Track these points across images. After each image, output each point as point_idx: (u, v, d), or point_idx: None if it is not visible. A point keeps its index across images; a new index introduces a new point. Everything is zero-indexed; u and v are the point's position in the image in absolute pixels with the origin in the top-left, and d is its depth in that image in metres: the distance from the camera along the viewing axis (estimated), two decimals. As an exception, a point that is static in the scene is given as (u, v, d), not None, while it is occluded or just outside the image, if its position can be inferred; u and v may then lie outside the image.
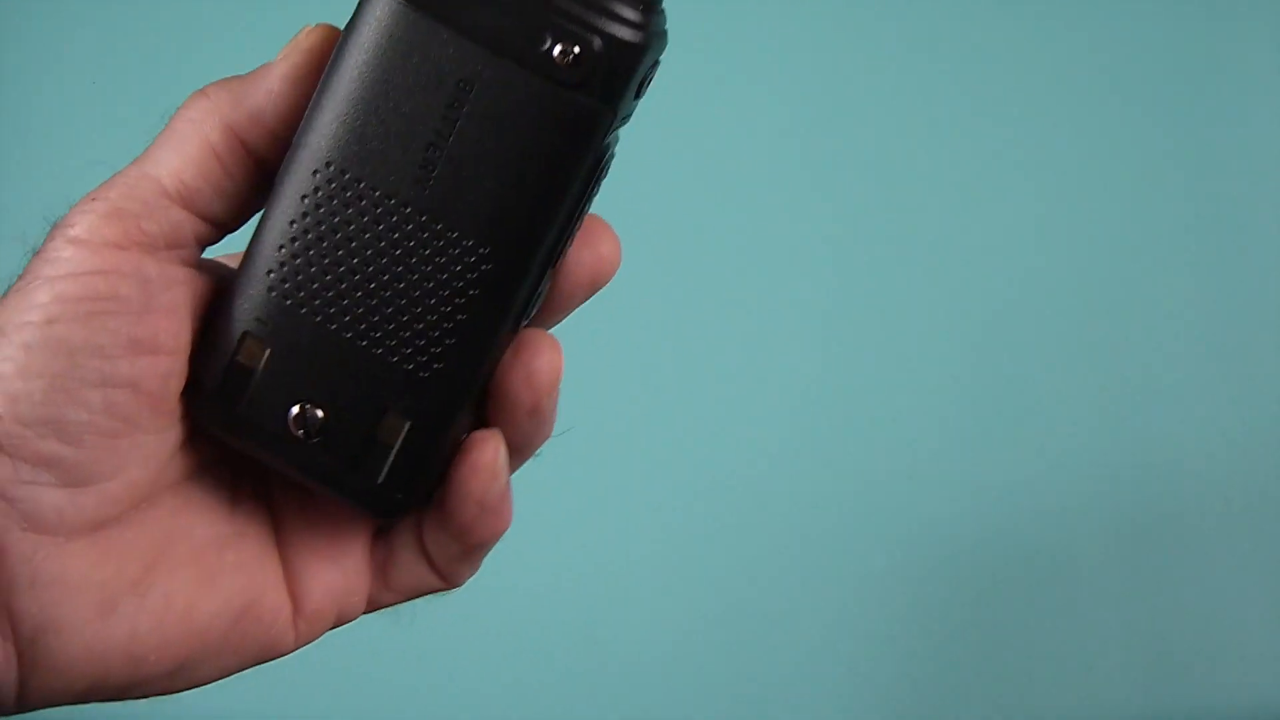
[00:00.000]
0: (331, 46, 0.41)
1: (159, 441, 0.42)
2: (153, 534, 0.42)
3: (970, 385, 0.80)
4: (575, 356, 0.44)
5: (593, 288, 0.44)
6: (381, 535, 0.46)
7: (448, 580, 0.46)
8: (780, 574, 0.82)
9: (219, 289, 0.43)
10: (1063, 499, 0.71)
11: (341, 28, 0.41)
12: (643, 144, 0.52)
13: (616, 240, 0.43)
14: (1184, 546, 0.69)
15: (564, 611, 0.82)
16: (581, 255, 0.43)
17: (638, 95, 0.42)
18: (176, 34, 0.77)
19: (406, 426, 0.41)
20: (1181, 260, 0.83)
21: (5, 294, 0.41)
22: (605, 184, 0.43)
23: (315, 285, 0.41)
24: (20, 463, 0.39)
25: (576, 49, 0.39)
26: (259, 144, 0.42)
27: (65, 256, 0.40)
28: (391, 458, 0.42)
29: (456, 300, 0.41)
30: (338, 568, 0.45)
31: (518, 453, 0.44)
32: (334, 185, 0.41)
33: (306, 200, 0.41)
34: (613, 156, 0.43)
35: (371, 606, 0.47)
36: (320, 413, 0.41)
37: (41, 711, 0.42)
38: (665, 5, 0.41)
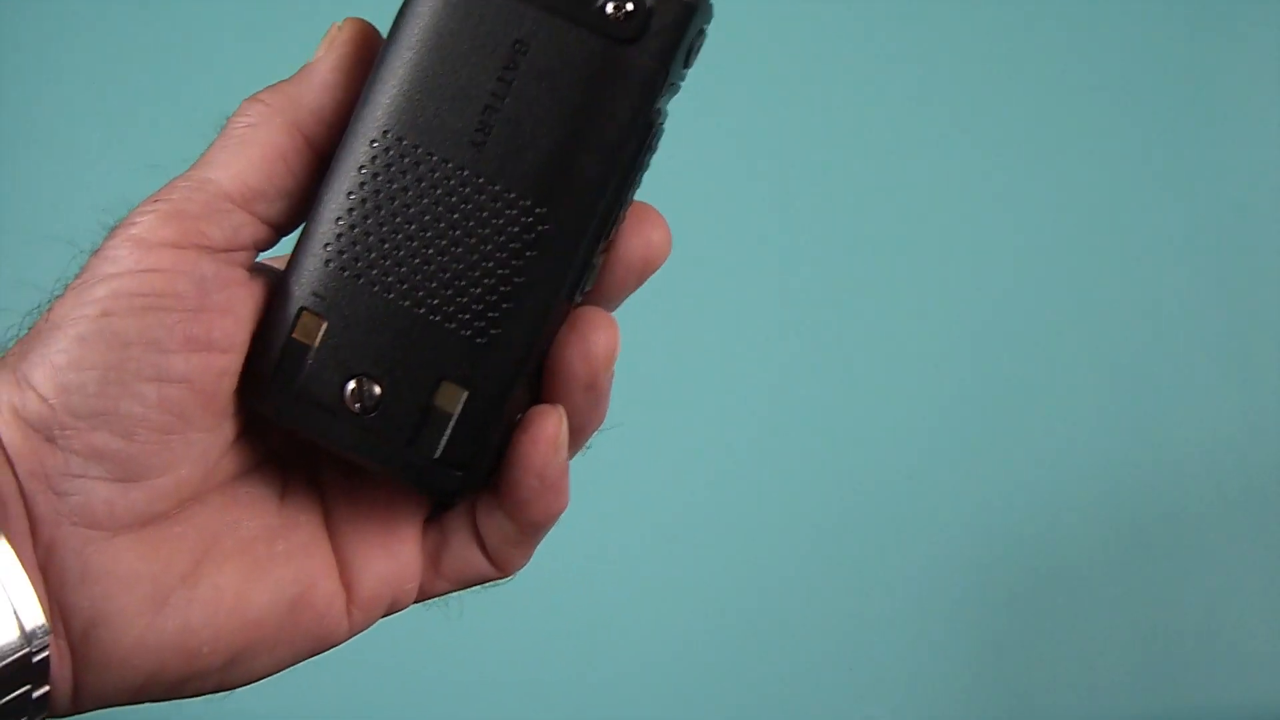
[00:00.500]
0: (366, 37, 0.42)
1: (211, 440, 0.42)
2: (201, 528, 0.42)
3: (970, 390, 0.81)
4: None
5: (644, 274, 0.44)
6: (434, 521, 0.46)
7: (500, 567, 0.46)
8: (786, 582, 0.82)
9: (273, 289, 0.43)
10: (1064, 500, 0.71)
11: (363, 19, 0.42)
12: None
13: (666, 226, 0.44)
14: (1184, 547, 0.70)
15: (594, 612, 0.82)
16: (633, 241, 0.43)
17: (686, 64, 0.43)
18: (230, 40, 0.78)
19: (465, 396, 0.41)
20: (1186, 263, 0.84)
21: (63, 292, 0.41)
22: (650, 177, 0.43)
23: (373, 254, 0.41)
24: (71, 455, 0.39)
25: (629, 4, 0.40)
26: (323, 140, 0.42)
27: (123, 255, 0.40)
28: (450, 429, 0.41)
29: (514, 263, 0.40)
30: (390, 555, 0.45)
31: (574, 434, 0.44)
32: (391, 153, 0.41)
33: (364, 170, 0.41)
34: (662, 130, 0.43)
35: (423, 595, 0.46)
36: (377, 387, 0.41)
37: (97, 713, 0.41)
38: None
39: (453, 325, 0.41)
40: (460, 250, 0.40)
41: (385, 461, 0.42)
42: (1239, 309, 0.78)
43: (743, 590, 0.84)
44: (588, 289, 0.43)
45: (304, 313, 0.41)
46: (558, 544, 0.49)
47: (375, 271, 0.41)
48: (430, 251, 0.41)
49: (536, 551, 0.46)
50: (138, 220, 0.40)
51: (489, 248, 0.40)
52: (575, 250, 0.41)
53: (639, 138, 0.41)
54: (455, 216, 0.40)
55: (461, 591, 0.47)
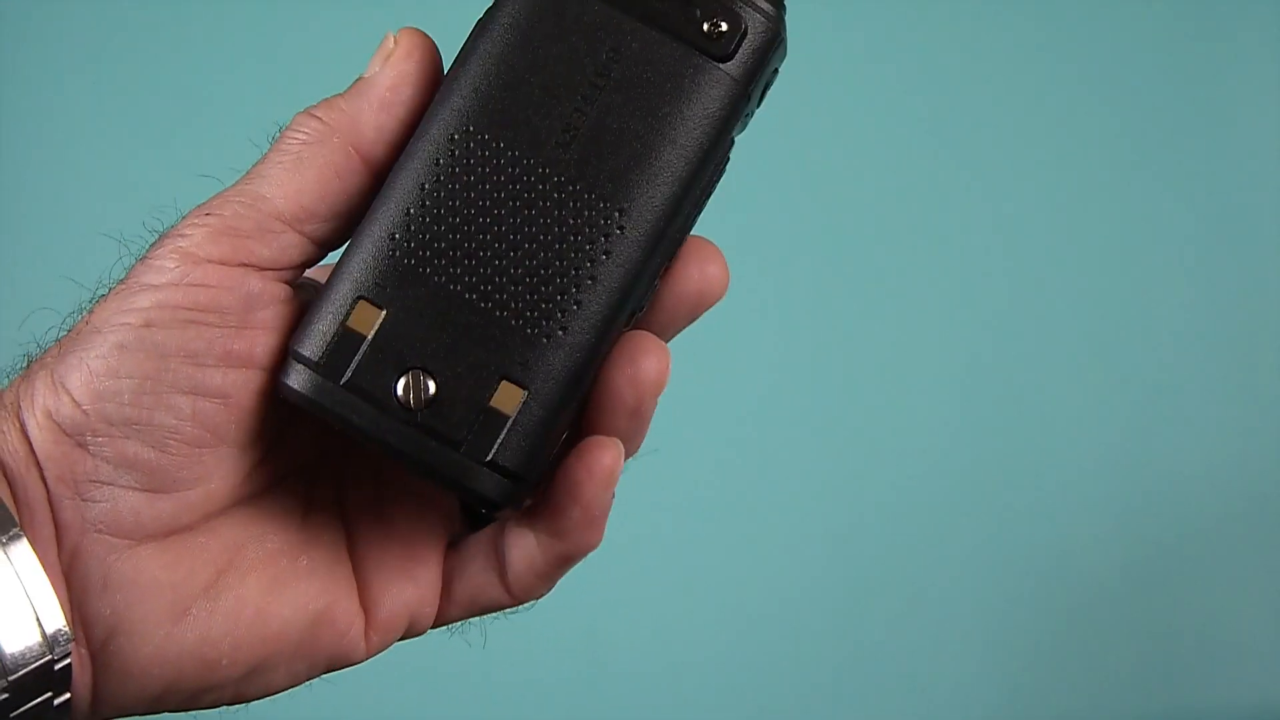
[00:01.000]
0: (425, 50, 0.42)
1: (242, 455, 0.41)
2: (224, 540, 0.41)
3: (981, 399, 0.81)
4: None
5: (697, 309, 0.44)
6: (453, 547, 0.45)
7: (518, 596, 0.45)
8: (823, 590, 0.82)
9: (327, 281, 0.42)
10: (1064, 499, 0.71)
11: (419, 30, 0.42)
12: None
13: (724, 263, 0.44)
14: (1185, 547, 0.70)
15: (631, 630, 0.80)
16: (690, 273, 0.43)
17: (762, 97, 0.44)
18: (284, 44, 0.79)
19: (524, 396, 0.40)
20: (1190, 270, 0.84)
21: (106, 295, 0.41)
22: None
23: (441, 245, 0.40)
24: (101, 462, 0.39)
25: (723, 24, 0.41)
26: (379, 159, 0.42)
27: (170, 266, 0.40)
28: (505, 432, 0.40)
29: (586, 264, 0.40)
30: (410, 579, 0.44)
31: None
32: (473, 147, 0.41)
33: (441, 164, 0.41)
34: (728, 161, 0.43)
35: (438, 621, 0.45)
36: (432, 383, 0.40)
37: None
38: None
39: (519, 322, 0.40)
40: (534, 247, 0.40)
41: (431, 462, 0.40)
42: (1240, 316, 0.80)
43: (767, 608, 0.84)
44: (644, 309, 0.43)
45: (361, 301, 0.40)
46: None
47: (443, 262, 0.40)
48: (503, 246, 0.40)
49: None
50: (187, 232, 0.40)
51: (563, 246, 0.40)
52: (645, 260, 0.41)
53: (717, 156, 0.42)
54: (532, 213, 0.40)
55: (481, 618, 0.46)
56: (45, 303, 0.60)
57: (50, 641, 0.38)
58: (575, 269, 0.40)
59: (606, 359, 0.42)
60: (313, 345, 0.40)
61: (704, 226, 0.44)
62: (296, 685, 0.43)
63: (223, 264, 0.40)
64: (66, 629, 0.38)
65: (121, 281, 0.40)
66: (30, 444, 0.39)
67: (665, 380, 0.42)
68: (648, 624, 0.77)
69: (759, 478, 0.81)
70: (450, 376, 0.40)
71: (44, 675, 0.38)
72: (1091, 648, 0.68)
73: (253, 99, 0.71)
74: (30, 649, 0.37)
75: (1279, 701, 0.65)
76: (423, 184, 0.41)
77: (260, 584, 0.41)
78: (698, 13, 0.41)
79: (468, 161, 0.41)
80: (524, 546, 0.43)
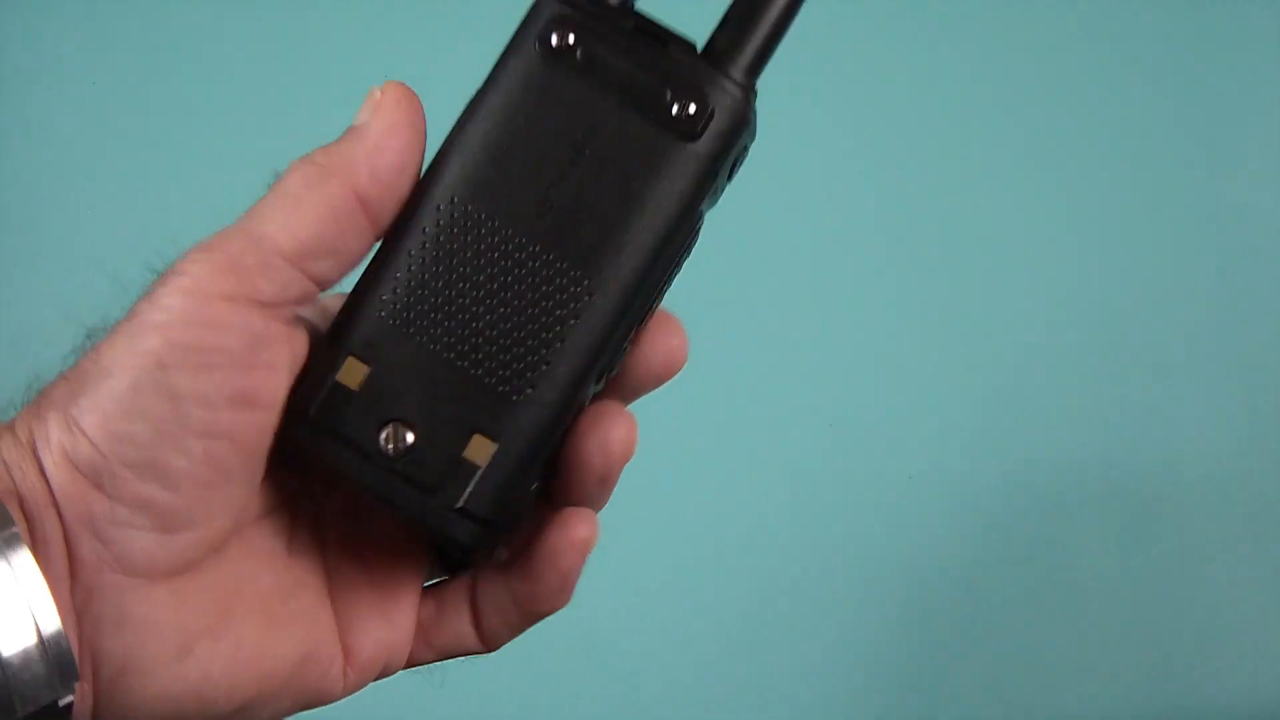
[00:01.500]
0: (410, 100, 0.44)
1: (245, 493, 0.43)
2: (225, 580, 0.43)
3: (968, 379, 0.80)
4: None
5: (659, 380, 0.46)
6: (428, 592, 0.47)
7: (488, 644, 0.47)
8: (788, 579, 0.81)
9: (313, 342, 0.44)
10: (1064, 497, 0.71)
11: (402, 83, 0.45)
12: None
13: (685, 336, 0.46)
14: (1185, 545, 0.69)
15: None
16: (656, 347, 0.46)
17: (731, 174, 0.46)
18: (286, 78, 0.79)
19: (494, 449, 0.43)
20: (1188, 260, 0.83)
21: (109, 334, 0.41)
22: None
23: (424, 307, 0.43)
24: (118, 504, 0.40)
25: (692, 106, 0.44)
26: (375, 201, 0.43)
27: (176, 305, 0.41)
28: (475, 481, 0.42)
29: (556, 328, 0.43)
30: (387, 621, 0.46)
31: None
32: (457, 217, 0.43)
33: (427, 231, 0.43)
34: (698, 235, 0.46)
35: (410, 663, 0.47)
36: (410, 434, 0.43)
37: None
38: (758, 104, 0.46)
39: (491, 380, 0.43)
40: (508, 311, 0.43)
41: (408, 506, 0.43)
42: (1242, 308, 0.79)
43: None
44: (613, 374, 0.46)
45: (350, 358, 0.43)
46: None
47: (424, 324, 0.43)
48: (480, 310, 0.43)
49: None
50: (189, 269, 0.41)
51: (534, 311, 0.43)
52: (613, 325, 0.44)
53: (684, 230, 0.45)
54: (508, 279, 0.43)
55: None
56: (48, 339, 0.62)
57: (62, 678, 0.39)
58: (545, 332, 0.43)
59: (576, 423, 0.44)
60: (307, 394, 0.43)
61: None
62: None
63: (228, 300, 0.41)
64: (75, 668, 0.39)
65: (125, 319, 0.41)
66: (48, 483, 0.40)
67: (633, 449, 0.45)
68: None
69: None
70: (427, 428, 0.43)
71: (49, 713, 0.39)
72: (1091, 646, 0.70)
73: (247, 133, 0.73)
74: (38, 688, 0.38)
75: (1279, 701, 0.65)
76: (409, 249, 0.43)
77: (256, 625, 0.43)
78: (669, 94, 0.44)
79: (452, 230, 0.43)
80: (499, 602, 0.46)
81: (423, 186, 0.44)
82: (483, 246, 0.43)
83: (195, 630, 0.42)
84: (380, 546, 0.47)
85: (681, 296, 0.47)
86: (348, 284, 0.45)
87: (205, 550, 0.42)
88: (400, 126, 0.43)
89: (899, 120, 0.80)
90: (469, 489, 0.43)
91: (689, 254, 0.46)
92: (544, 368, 0.43)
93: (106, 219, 0.70)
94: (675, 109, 0.44)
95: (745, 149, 0.46)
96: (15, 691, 0.38)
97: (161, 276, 0.41)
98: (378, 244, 0.45)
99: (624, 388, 0.46)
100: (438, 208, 0.43)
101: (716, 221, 0.47)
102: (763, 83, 0.45)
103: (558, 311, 0.43)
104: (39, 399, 0.41)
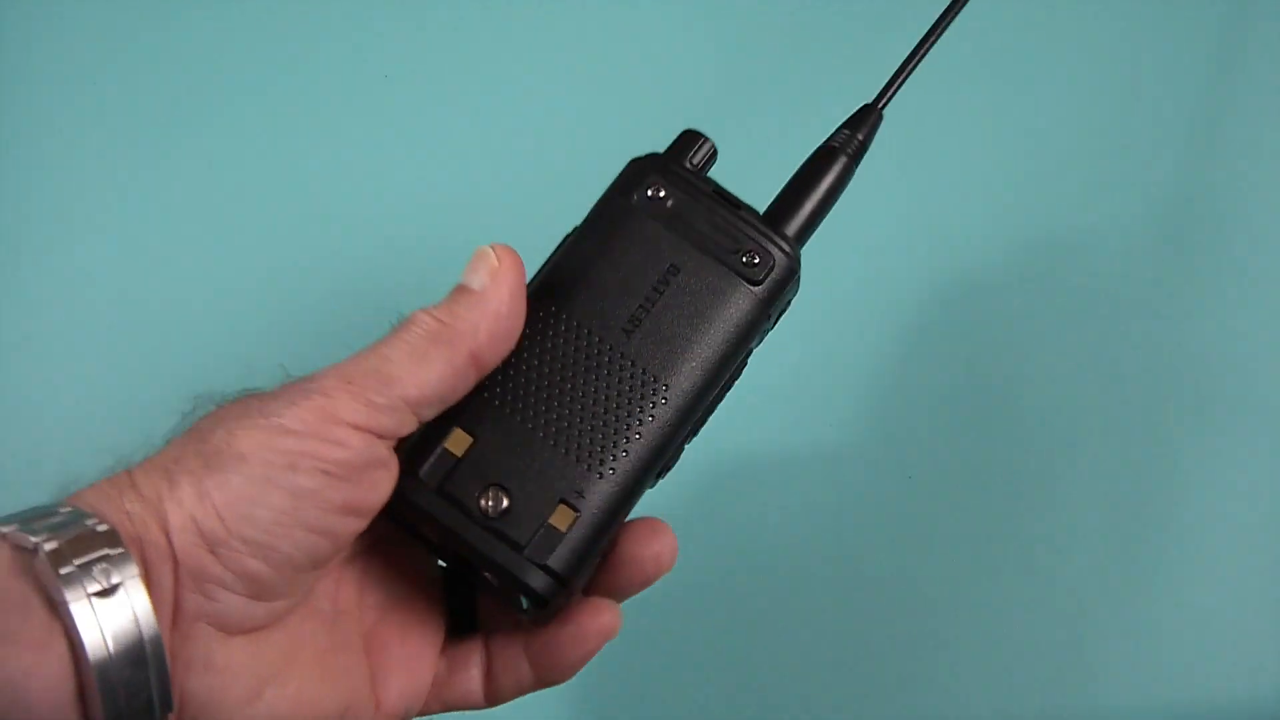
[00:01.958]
0: (521, 265, 0.52)
1: (321, 575, 0.51)
2: (290, 637, 0.50)
3: (960, 371, 0.76)
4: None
5: (647, 581, 0.54)
6: (443, 652, 0.55)
7: (490, 702, 0.55)
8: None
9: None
10: (1063, 492, 0.70)
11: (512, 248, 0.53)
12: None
13: (673, 543, 0.54)
14: (1185, 545, 0.69)
15: None
16: (645, 549, 0.53)
17: (778, 317, 0.57)
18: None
19: (575, 518, 0.51)
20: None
21: (240, 419, 0.47)
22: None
23: (524, 393, 0.52)
24: (226, 570, 0.45)
25: (758, 258, 0.55)
26: (491, 357, 0.50)
27: (312, 421, 0.46)
28: (559, 544, 0.51)
29: (635, 422, 0.52)
30: (411, 676, 0.53)
31: None
32: (559, 325, 0.53)
33: (531, 334, 0.53)
34: (745, 366, 0.56)
35: (422, 712, 0.54)
36: (505, 498, 0.51)
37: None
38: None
39: (577, 459, 0.52)
40: (595, 404, 0.52)
41: (499, 559, 0.50)
42: (1241, 310, 0.76)
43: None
44: (669, 469, 0.55)
45: (457, 429, 0.51)
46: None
47: (523, 407, 0.52)
48: (571, 400, 0.52)
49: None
50: (331, 393, 0.47)
51: (618, 406, 0.52)
52: (678, 427, 0.53)
53: (740, 356, 0.55)
54: (597, 379, 0.52)
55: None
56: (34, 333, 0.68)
57: (161, 709, 0.43)
58: (626, 424, 0.52)
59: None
60: (420, 460, 0.51)
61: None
62: None
63: (357, 429, 0.47)
64: (171, 699, 0.44)
65: (261, 413, 0.47)
66: (170, 540, 0.45)
67: (672, 565, 0.54)
68: None
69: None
70: (520, 494, 0.51)
71: None
72: (1091, 645, 0.68)
73: (247, 133, 0.74)
74: (141, 714, 0.43)
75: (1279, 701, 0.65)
76: (517, 350, 0.52)
77: (313, 677, 0.50)
78: (738, 246, 0.55)
79: (554, 335, 0.53)
80: (514, 667, 0.54)
81: (532, 303, 0.53)
82: (579, 350, 0.53)
83: (265, 678, 0.48)
84: (410, 609, 0.54)
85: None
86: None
87: (282, 614, 0.49)
88: (516, 294, 0.51)
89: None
90: (553, 549, 0.51)
91: (738, 379, 0.56)
92: (622, 455, 0.52)
93: (106, 219, 0.72)
94: (744, 259, 0.54)
95: (789, 301, 0.57)
96: (125, 716, 0.42)
97: (301, 386, 0.47)
98: None
99: (614, 588, 0.54)
100: (546, 318, 0.53)
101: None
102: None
103: (636, 409, 0.52)
104: (168, 463, 0.46)
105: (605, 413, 0.52)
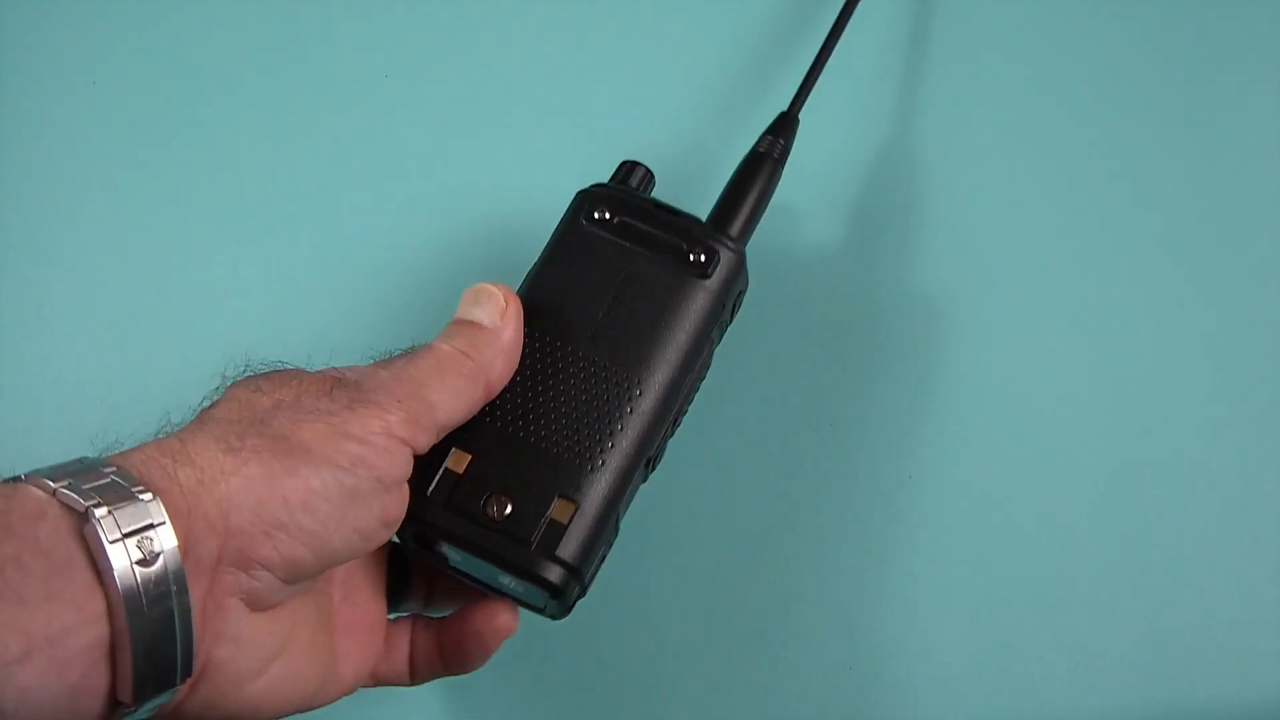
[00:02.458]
0: (520, 303, 0.57)
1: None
2: (293, 615, 0.52)
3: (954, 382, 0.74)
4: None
5: (491, 647, 0.58)
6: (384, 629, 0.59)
7: (414, 680, 0.60)
8: None
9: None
10: (1063, 490, 0.68)
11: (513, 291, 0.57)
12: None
13: (516, 616, 0.58)
14: (1184, 543, 0.67)
15: None
16: (487, 625, 0.58)
17: (734, 310, 0.61)
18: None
19: (573, 509, 0.55)
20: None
21: (304, 412, 0.49)
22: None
23: (511, 405, 0.57)
24: (273, 552, 0.47)
25: (704, 254, 0.60)
26: (500, 385, 0.56)
27: (377, 433, 0.50)
28: (562, 533, 0.54)
29: (616, 415, 0.57)
30: (364, 651, 0.57)
31: None
32: (537, 345, 0.58)
33: None
34: (711, 358, 0.60)
35: (358, 686, 0.58)
36: (508, 502, 0.55)
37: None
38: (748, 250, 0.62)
39: (569, 455, 0.56)
40: (578, 405, 0.57)
41: (511, 558, 0.54)
42: (1240, 309, 0.73)
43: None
44: (658, 459, 0.59)
45: (455, 449, 0.56)
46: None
47: (513, 418, 0.56)
48: (556, 405, 0.57)
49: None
50: (388, 408, 0.50)
51: (600, 404, 0.57)
52: (657, 415, 0.58)
53: (703, 345, 0.59)
54: (576, 384, 0.57)
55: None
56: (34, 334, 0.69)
57: (183, 672, 0.45)
58: (608, 420, 0.57)
59: (617, 503, 0.57)
60: (425, 480, 0.55)
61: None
62: None
63: (404, 444, 0.51)
64: (192, 664, 0.45)
65: (319, 409, 0.49)
66: (226, 517, 0.46)
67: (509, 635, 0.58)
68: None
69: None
70: (520, 496, 0.55)
71: (162, 689, 0.45)
72: (1090, 645, 0.66)
73: (248, 134, 0.75)
74: (168, 673, 0.44)
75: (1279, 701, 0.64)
76: None
77: (304, 654, 0.52)
78: (685, 245, 0.60)
79: (531, 351, 0.58)
80: (429, 657, 0.59)
81: None
82: (555, 361, 0.57)
83: (274, 653, 0.50)
84: (364, 588, 0.57)
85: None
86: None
87: (293, 596, 0.51)
88: (520, 329, 0.56)
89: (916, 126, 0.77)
90: (559, 540, 0.54)
91: (706, 374, 0.60)
92: (610, 445, 0.56)
93: (107, 220, 0.73)
94: (691, 256, 0.59)
95: (742, 292, 0.62)
96: (149, 680, 0.44)
97: (355, 394, 0.50)
98: None
99: (453, 660, 0.59)
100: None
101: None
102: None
103: (614, 405, 0.57)
104: (227, 436, 0.47)
105: (588, 413, 0.57)
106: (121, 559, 0.42)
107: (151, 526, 0.43)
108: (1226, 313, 0.71)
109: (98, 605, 0.42)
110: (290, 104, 0.76)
